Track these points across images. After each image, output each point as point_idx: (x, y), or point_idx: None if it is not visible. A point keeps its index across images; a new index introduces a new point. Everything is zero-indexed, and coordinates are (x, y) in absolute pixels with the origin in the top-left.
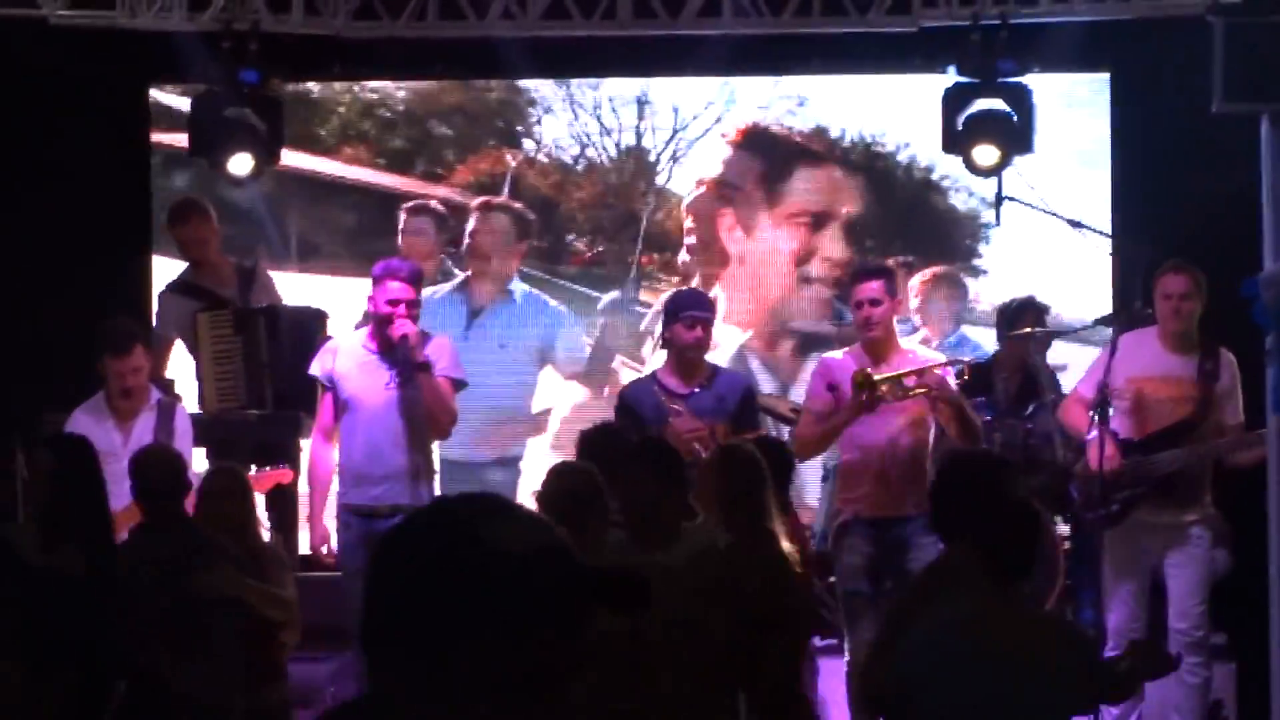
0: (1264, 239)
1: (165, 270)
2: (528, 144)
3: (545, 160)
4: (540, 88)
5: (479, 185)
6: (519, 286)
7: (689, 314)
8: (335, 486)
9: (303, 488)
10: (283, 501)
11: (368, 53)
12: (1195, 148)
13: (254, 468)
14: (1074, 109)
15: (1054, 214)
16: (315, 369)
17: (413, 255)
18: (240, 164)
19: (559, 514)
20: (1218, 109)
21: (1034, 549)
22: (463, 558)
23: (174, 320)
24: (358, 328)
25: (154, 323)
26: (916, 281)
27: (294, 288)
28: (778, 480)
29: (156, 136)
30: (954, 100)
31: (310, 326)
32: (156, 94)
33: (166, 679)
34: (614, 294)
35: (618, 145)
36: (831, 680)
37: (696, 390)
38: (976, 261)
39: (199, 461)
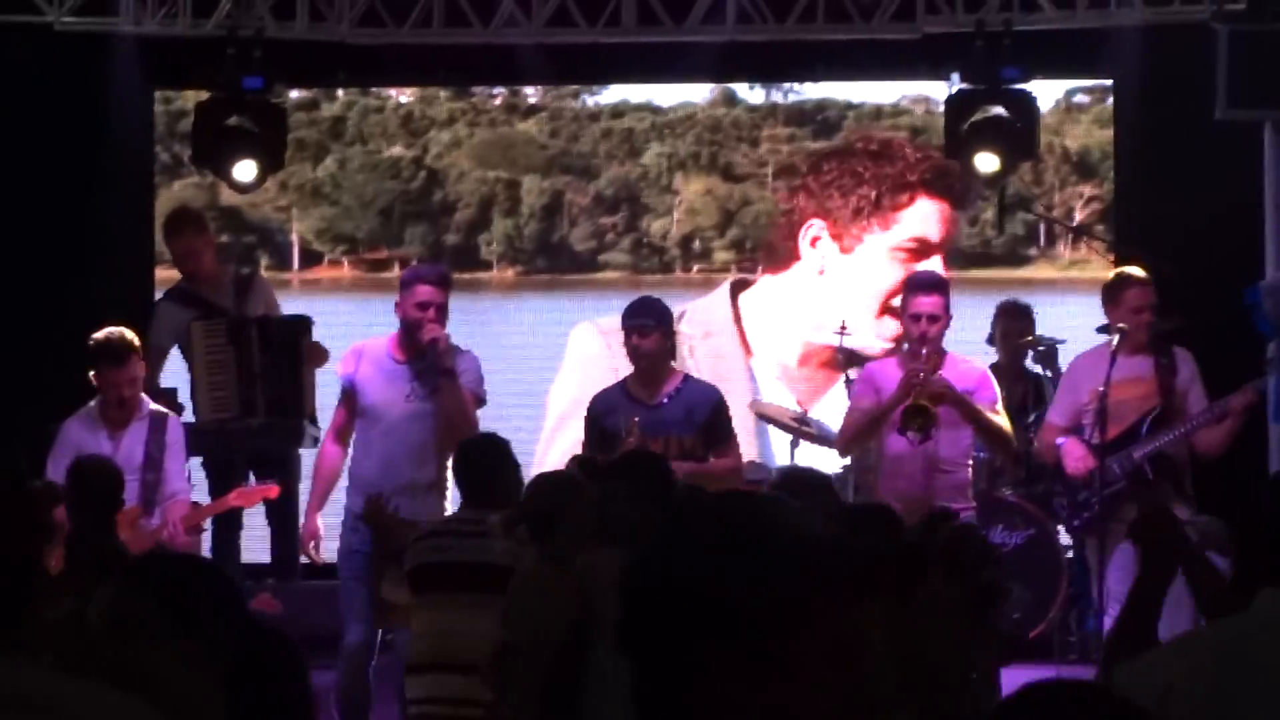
0: (1265, 246)
1: (169, 279)
2: None
3: None
4: None
5: None
6: None
7: (636, 322)
8: (344, 486)
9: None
10: (283, 513)
11: (372, 59)
12: (1198, 154)
13: (251, 477)
14: (1076, 116)
15: (1056, 220)
16: (339, 369)
17: None
18: (244, 171)
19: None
20: (1221, 115)
21: None
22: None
23: (169, 329)
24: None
25: (152, 330)
26: None
27: None
28: None
29: None
30: (958, 106)
31: (295, 334)
32: None
33: None
34: None
35: None
36: None
37: (665, 401)
38: None
39: (194, 471)
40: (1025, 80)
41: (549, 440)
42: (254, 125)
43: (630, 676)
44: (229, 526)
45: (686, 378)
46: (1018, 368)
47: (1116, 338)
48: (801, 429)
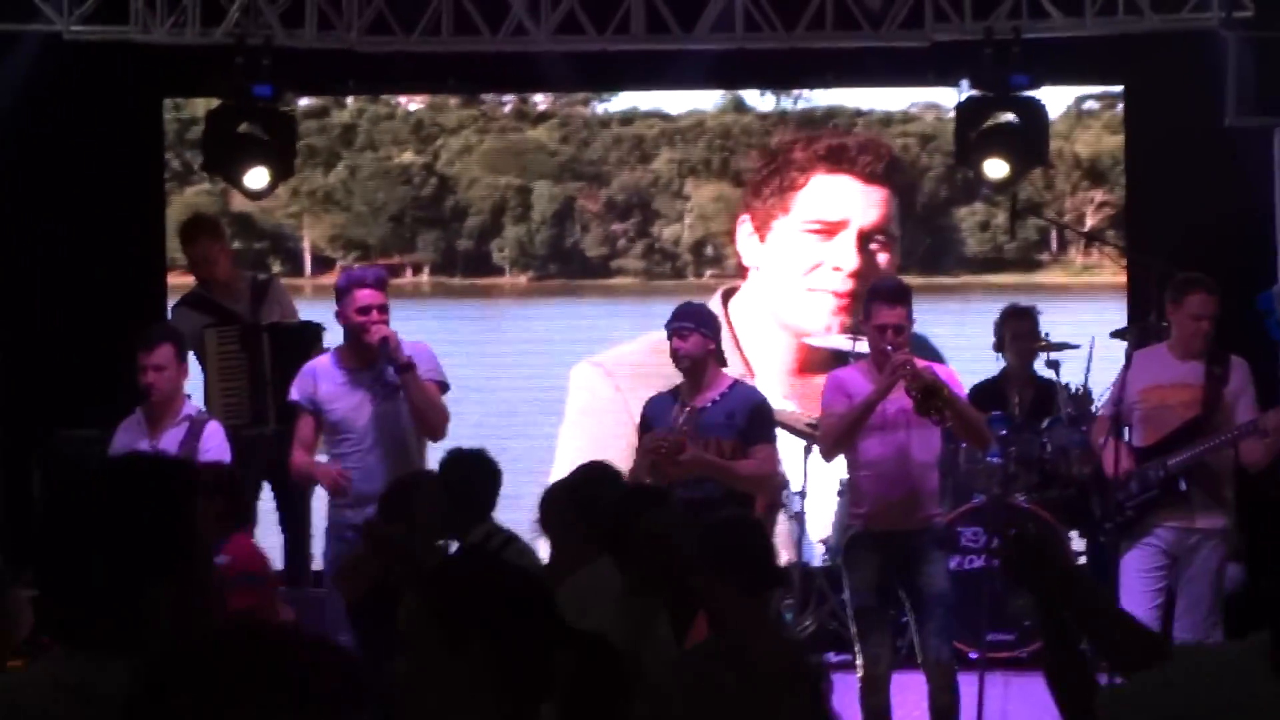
0: (1278, 252)
1: (181, 285)
2: None
3: None
4: None
5: None
6: None
7: (675, 325)
8: (322, 496)
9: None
10: (294, 520)
11: (381, 67)
12: (1208, 161)
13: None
14: (1087, 122)
15: (1068, 226)
16: (295, 393)
17: None
18: (255, 178)
19: None
20: (1231, 122)
21: None
22: None
23: (185, 334)
24: None
25: None
26: None
27: None
28: None
29: None
30: (967, 114)
31: (305, 341)
32: None
33: None
34: None
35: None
36: (845, 696)
37: (710, 405)
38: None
39: None
40: (1034, 87)
41: None
42: (264, 133)
43: None
44: None
45: (736, 382)
46: (1027, 372)
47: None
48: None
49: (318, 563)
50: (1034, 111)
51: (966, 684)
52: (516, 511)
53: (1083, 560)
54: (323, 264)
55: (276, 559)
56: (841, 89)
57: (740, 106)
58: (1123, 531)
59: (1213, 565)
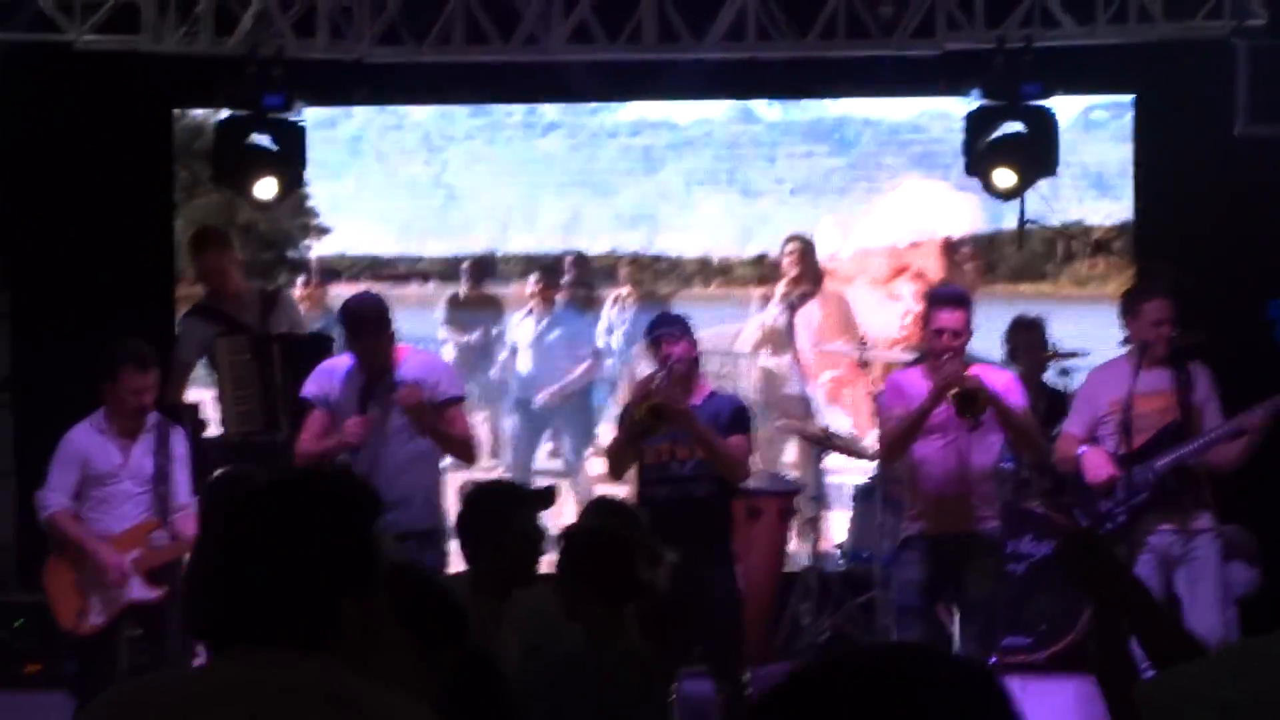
0: None
1: (190, 295)
2: None
3: None
4: None
5: None
6: None
7: (663, 331)
8: None
9: None
10: None
11: (392, 77)
12: (1219, 170)
13: None
14: (1097, 131)
15: (1075, 235)
16: (311, 388)
17: None
18: (265, 188)
19: None
20: (1241, 131)
21: None
22: None
23: (195, 344)
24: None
25: (178, 345)
26: None
27: None
28: None
29: None
30: (978, 123)
31: (317, 351)
32: None
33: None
34: None
35: None
36: None
37: (695, 408)
38: None
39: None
40: (1045, 96)
41: None
42: (274, 143)
43: None
44: None
45: (715, 390)
46: (1036, 382)
47: (1139, 349)
48: (831, 440)
49: None
50: (1044, 121)
51: None
52: None
53: None
54: (329, 275)
55: None
56: (853, 98)
57: (748, 117)
58: (1117, 537)
59: (1214, 562)
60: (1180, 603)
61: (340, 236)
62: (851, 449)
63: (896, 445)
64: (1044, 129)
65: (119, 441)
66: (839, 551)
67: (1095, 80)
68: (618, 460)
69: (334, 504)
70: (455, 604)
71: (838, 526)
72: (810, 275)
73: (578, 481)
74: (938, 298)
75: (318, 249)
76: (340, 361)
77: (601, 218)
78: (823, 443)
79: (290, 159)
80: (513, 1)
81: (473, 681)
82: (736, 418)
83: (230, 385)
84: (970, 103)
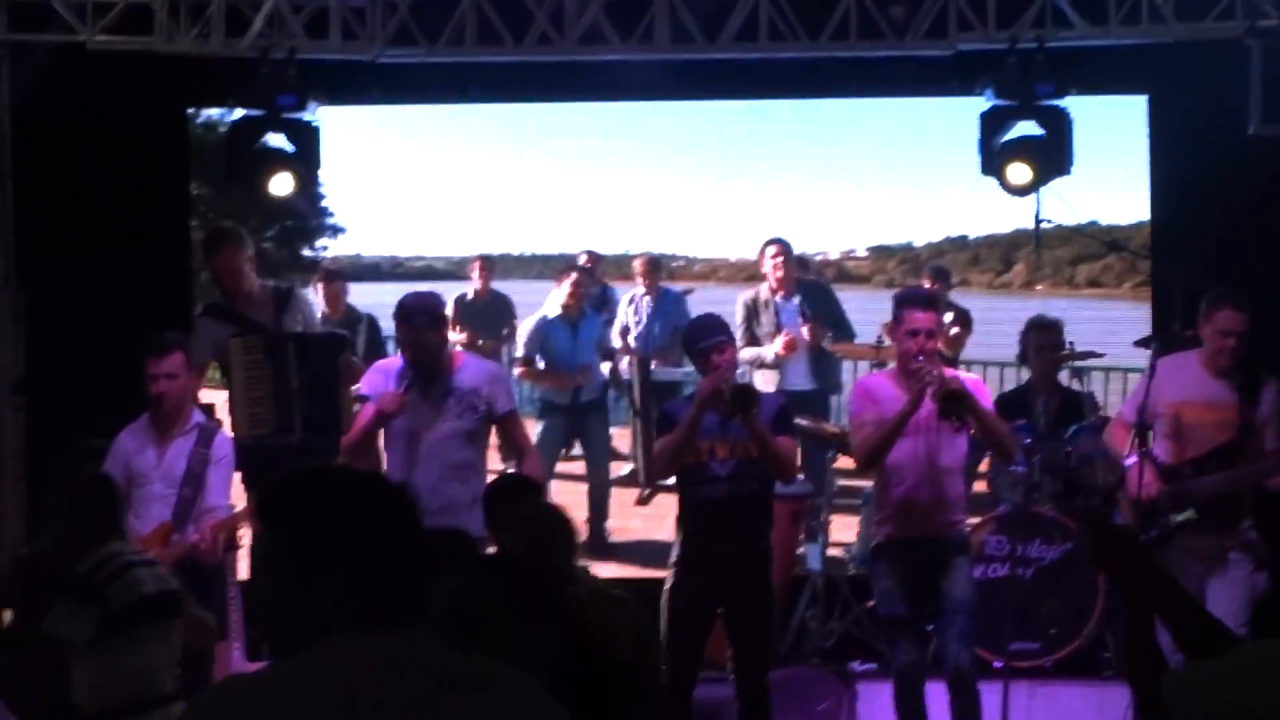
0: None
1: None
2: None
3: None
4: None
5: None
6: None
7: (714, 341)
8: None
9: None
10: None
11: (405, 76)
12: (1233, 170)
13: None
14: (1111, 131)
15: (1092, 236)
16: (367, 388)
17: None
18: (281, 184)
19: None
20: (1255, 131)
21: None
22: None
23: (208, 344)
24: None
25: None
26: None
27: None
28: None
29: None
30: (991, 123)
31: (331, 351)
32: None
33: None
34: None
35: None
36: (872, 705)
37: None
38: None
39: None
40: (1058, 96)
41: None
42: (288, 143)
43: None
44: None
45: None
46: (1052, 382)
47: (1156, 349)
48: (840, 442)
49: None
50: (1058, 120)
51: (991, 693)
52: None
53: None
54: None
55: None
56: (864, 98)
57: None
58: (1149, 547)
59: (1241, 575)
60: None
61: (353, 236)
62: None
63: (875, 452)
64: (1058, 128)
65: (157, 443)
66: (848, 555)
67: (1108, 80)
68: (672, 459)
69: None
70: (553, 584)
71: (847, 530)
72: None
73: (597, 483)
74: (907, 299)
75: (333, 248)
76: (394, 361)
77: (616, 216)
78: (834, 443)
79: (304, 158)
80: (525, 2)
81: (575, 660)
82: (782, 417)
83: (243, 387)
84: (983, 103)
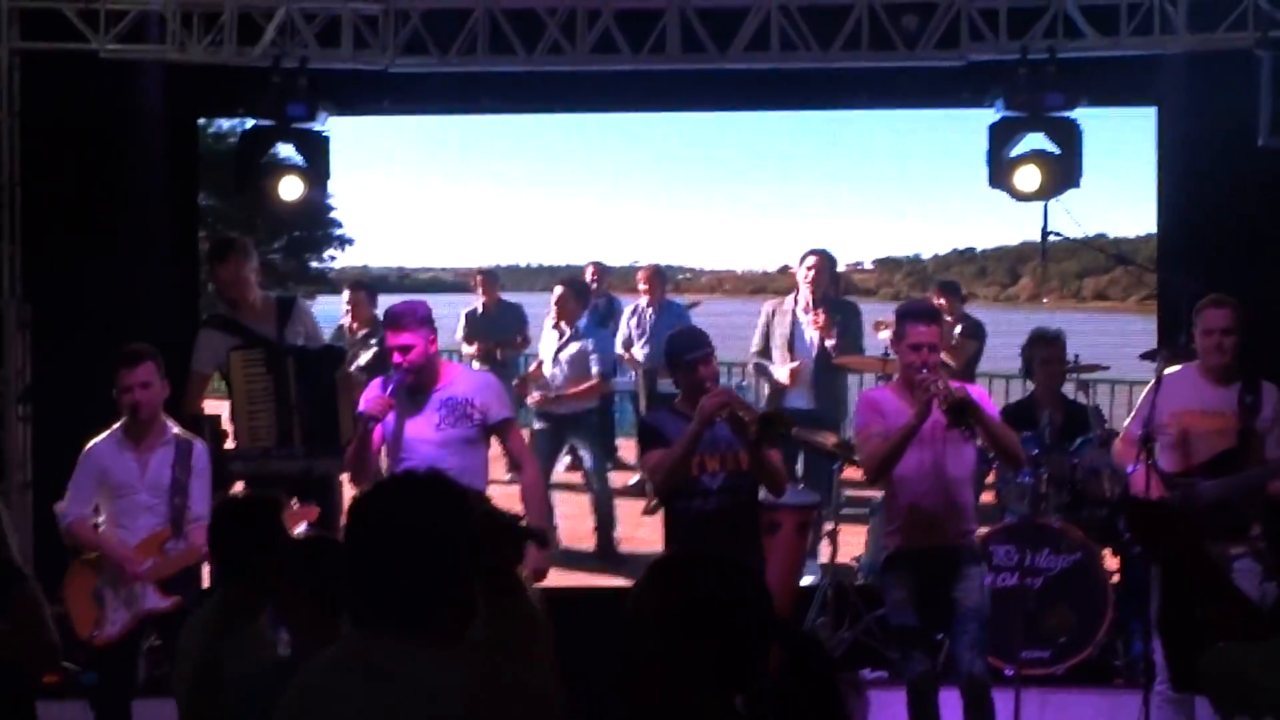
0: None
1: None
2: None
3: None
4: None
5: None
6: None
7: (699, 353)
8: None
9: None
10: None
11: (416, 87)
12: (1241, 182)
13: (295, 503)
14: (1119, 144)
15: (1099, 249)
16: (362, 404)
17: None
18: (290, 188)
19: None
20: (1264, 142)
21: None
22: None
23: (210, 356)
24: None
25: (195, 357)
26: None
27: None
28: None
29: None
30: (1000, 135)
31: (329, 364)
32: None
33: None
34: None
35: None
36: (883, 713)
37: (718, 420)
38: None
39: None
40: (1069, 107)
41: None
42: (297, 152)
43: None
44: None
45: None
46: (1056, 395)
47: (1162, 359)
48: (846, 454)
49: None
50: (1068, 132)
51: (1002, 701)
52: None
53: (1116, 579)
54: None
55: None
56: (875, 109)
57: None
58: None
59: (1249, 585)
60: None
61: (362, 248)
62: None
63: (884, 464)
64: (1068, 140)
65: (136, 453)
66: (856, 565)
67: (1118, 92)
68: (671, 476)
69: (454, 506)
70: None
71: (855, 540)
72: (828, 289)
73: (598, 494)
74: (909, 313)
75: (341, 260)
76: (395, 377)
77: (622, 228)
78: (835, 455)
79: (314, 168)
80: (537, 12)
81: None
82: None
83: (243, 399)
84: (992, 115)
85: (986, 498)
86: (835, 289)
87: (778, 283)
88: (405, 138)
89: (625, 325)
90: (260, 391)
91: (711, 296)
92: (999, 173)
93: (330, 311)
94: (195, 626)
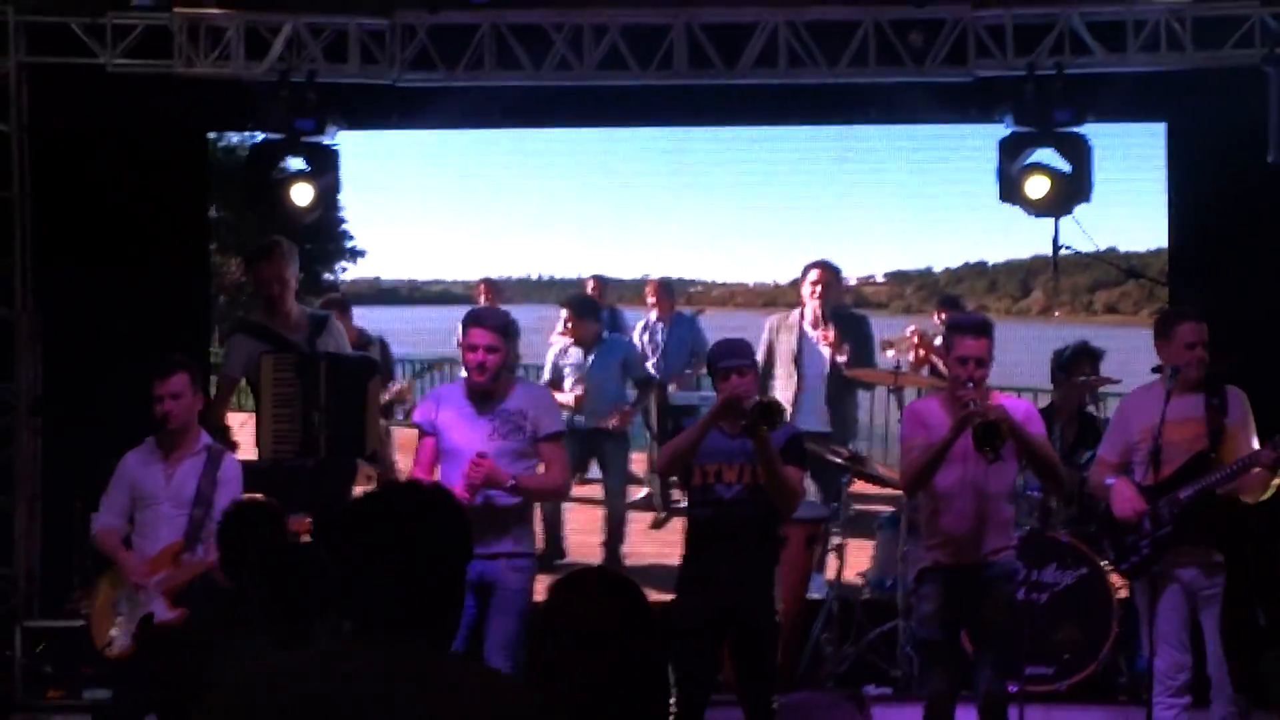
0: None
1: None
2: None
3: None
4: None
5: None
6: None
7: (735, 362)
8: None
9: None
10: None
11: (424, 101)
12: (1251, 197)
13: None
14: (1130, 158)
15: (1110, 263)
16: (418, 416)
17: None
18: (301, 194)
19: None
20: (1274, 159)
21: None
22: None
23: (241, 360)
24: None
25: (224, 362)
26: None
27: None
28: None
29: None
30: (1010, 149)
31: (361, 374)
32: None
33: None
34: None
35: None
36: None
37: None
38: None
39: None
40: (1077, 123)
41: None
42: (307, 165)
43: None
44: None
45: None
46: (1073, 408)
47: (1170, 374)
48: (856, 467)
49: None
50: (1078, 147)
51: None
52: None
53: (1123, 594)
54: None
55: None
56: (884, 125)
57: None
58: (1142, 569)
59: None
60: (1205, 635)
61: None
62: (878, 476)
63: (919, 477)
64: (1078, 155)
65: (165, 465)
66: (863, 580)
67: (1128, 107)
68: (675, 456)
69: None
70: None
71: (862, 555)
72: (834, 301)
73: (612, 511)
74: (961, 325)
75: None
76: (448, 387)
77: (634, 240)
78: (846, 468)
79: (324, 181)
80: (544, 27)
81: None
82: (793, 447)
83: (270, 405)
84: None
85: None
86: (842, 301)
87: (789, 295)
88: (417, 151)
89: (637, 339)
90: (287, 397)
91: (723, 309)
92: (1009, 187)
93: None
94: (193, 635)
